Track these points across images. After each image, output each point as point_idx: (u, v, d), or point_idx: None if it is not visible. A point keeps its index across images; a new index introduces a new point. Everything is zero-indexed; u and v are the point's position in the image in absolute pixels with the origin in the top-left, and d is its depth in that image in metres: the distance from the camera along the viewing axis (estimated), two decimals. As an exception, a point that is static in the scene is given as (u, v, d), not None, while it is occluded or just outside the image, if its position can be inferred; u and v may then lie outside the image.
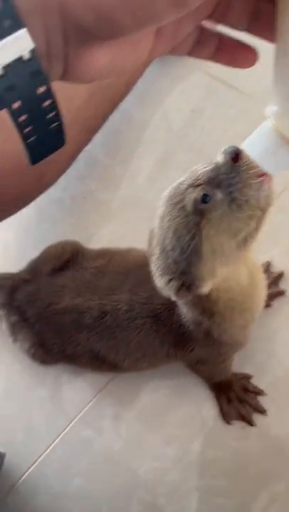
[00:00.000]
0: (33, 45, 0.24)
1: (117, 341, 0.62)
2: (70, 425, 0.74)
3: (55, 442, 0.73)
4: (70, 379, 0.75)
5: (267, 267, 0.73)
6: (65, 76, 0.27)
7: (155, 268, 0.49)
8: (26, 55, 0.24)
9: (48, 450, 0.73)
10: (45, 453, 0.73)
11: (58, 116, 0.28)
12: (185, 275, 0.46)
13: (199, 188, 0.43)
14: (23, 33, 0.23)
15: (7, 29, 0.23)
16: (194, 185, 0.43)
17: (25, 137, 0.27)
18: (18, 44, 0.23)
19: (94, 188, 0.84)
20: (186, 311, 0.55)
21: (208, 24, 0.30)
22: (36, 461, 0.73)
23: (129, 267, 0.64)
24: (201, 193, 0.42)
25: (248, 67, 0.30)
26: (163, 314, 0.59)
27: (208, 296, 0.49)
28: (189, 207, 0.43)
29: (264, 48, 0.30)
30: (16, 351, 0.73)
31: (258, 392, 0.69)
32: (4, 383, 0.77)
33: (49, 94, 0.26)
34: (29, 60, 0.24)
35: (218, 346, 0.58)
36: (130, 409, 0.73)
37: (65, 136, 0.29)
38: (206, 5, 0.28)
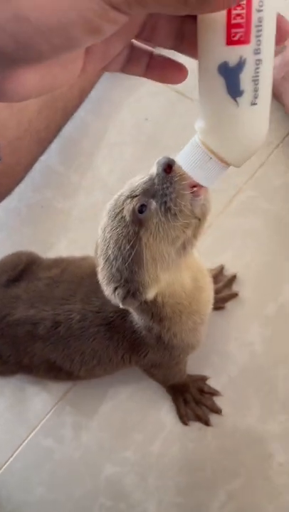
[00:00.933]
0: None
1: (72, 350, 0.63)
2: (31, 435, 0.74)
3: (16, 452, 0.73)
4: (29, 389, 0.75)
5: (220, 270, 0.75)
6: None
7: (101, 278, 0.50)
8: None
9: (10, 460, 0.73)
10: (7, 463, 0.73)
11: None
12: (129, 283, 0.47)
13: (136, 198, 0.44)
14: None
15: None
16: (131, 196, 0.44)
17: None
18: None
19: (51, 197, 0.84)
20: (137, 318, 0.57)
21: (137, 43, 0.31)
22: (-2, 472, 0.73)
23: (82, 276, 0.65)
24: (138, 204, 0.44)
25: (178, 83, 0.32)
26: (116, 322, 0.60)
27: (154, 301, 0.50)
28: (128, 217, 0.45)
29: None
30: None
31: (214, 393, 0.71)
32: None
33: None
34: None
35: (170, 350, 0.59)
36: (90, 417, 0.73)
37: None
38: (132, 26, 0.29)
